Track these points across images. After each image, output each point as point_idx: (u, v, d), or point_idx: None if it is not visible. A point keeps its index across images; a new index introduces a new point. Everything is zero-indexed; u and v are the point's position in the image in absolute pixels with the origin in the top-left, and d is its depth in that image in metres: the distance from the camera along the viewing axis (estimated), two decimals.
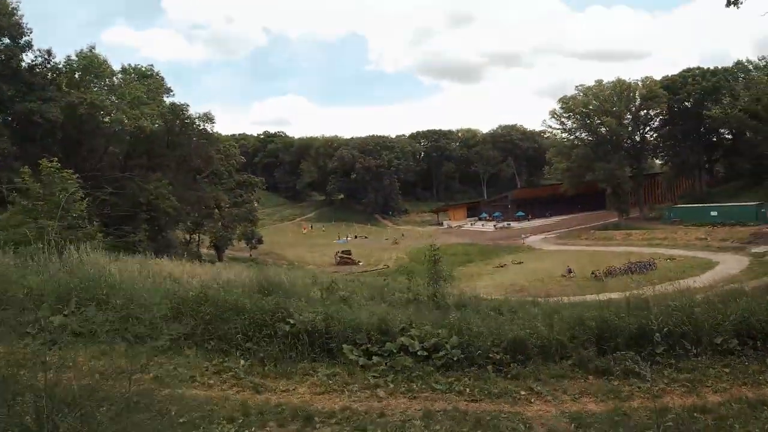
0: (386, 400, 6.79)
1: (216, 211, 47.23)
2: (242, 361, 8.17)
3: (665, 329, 7.34)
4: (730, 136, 73.80)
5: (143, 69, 45.16)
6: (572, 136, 67.59)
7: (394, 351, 7.86)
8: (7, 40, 38.05)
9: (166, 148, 44.13)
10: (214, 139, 47.58)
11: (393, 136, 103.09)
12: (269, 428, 6.01)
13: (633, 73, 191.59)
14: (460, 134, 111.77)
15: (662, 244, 55.19)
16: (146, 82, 41.81)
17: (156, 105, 40.64)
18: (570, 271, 42.78)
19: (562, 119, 66.76)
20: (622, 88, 63.64)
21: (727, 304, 8.16)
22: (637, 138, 68.19)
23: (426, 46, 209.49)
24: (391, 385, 7.12)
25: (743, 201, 61.96)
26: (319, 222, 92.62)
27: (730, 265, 40.59)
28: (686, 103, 67.14)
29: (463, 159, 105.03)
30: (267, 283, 10.42)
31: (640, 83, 64.35)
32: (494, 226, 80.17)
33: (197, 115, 44.78)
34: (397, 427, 5.89)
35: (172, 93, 44.79)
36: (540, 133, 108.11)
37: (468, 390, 6.86)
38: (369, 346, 8.11)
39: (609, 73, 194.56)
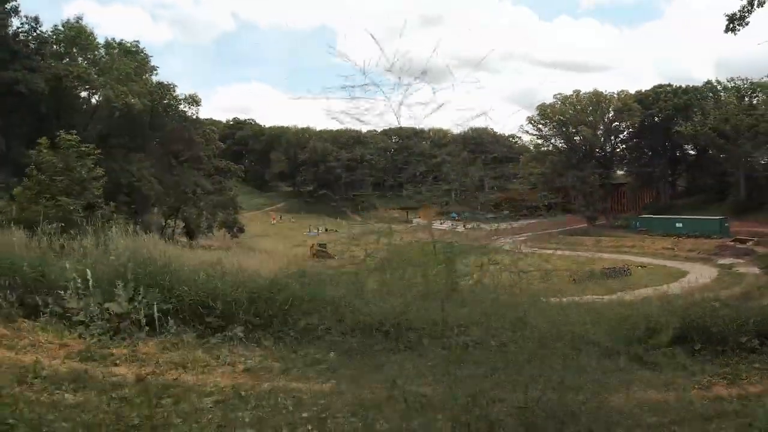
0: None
1: (194, 196, 45.82)
2: (332, 354, 8.06)
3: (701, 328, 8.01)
4: (693, 152, 76.97)
5: (128, 45, 43.66)
6: (548, 143, 69.11)
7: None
8: None
9: (149, 129, 42.75)
10: (198, 122, 46.37)
11: (364, 131, 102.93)
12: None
13: (597, 85, 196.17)
14: (431, 134, 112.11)
15: (631, 252, 57.08)
16: (133, 59, 40.29)
17: (144, 83, 39.21)
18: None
19: (539, 126, 68.10)
20: (598, 100, 65.31)
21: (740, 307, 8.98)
22: (608, 148, 69.98)
23: (394, 45, 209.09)
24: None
25: (706, 215, 64.59)
26: (288, 213, 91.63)
27: (700, 274, 42.26)
28: (656, 118, 69.29)
29: (432, 158, 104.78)
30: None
31: (615, 96, 66.20)
32: (464, 225, 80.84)
33: (182, 96, 43.50)
34: None
35: (156, 71, 43.34)
36: (509, 138, 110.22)
37: None
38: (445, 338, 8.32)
39: (573, 83, 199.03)
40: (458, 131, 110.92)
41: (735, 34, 31.13)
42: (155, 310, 8.47)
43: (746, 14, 30.01)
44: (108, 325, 8.71)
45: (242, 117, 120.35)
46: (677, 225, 62.94)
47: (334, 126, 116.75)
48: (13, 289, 9.04)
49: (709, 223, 60.99)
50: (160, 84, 41.73)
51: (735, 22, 30.94)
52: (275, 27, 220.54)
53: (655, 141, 70.69)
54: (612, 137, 69.60)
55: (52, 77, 34.88)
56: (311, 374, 7.50)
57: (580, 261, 50.14)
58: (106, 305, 9.01)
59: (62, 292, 9.00)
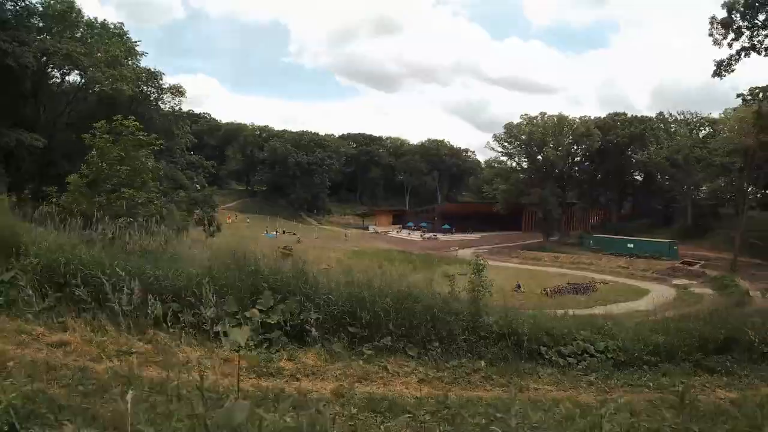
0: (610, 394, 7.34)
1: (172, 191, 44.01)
2: (482, 362, 8.36)
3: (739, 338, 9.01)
4: (639, 178, 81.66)
5: (112, 27, 41.80)
6: (512, 161, 71.50)
7: (578, 353, 8.63)
8: None
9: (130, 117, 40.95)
10: (180, 115, 44.80)
11: (322, 133, 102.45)
12: None
13: (541, 105, 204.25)
14: (388, 142, 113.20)
15: (589, 269, 59.57)
16: (119, 42, 38.57)
17: (132, 68, 37.61)
18: (519, 287, 45.07)
19: (505, 143, 70.16)
20: (561, 123, 68.08)
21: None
22: (565, 169, 72.89)
23: (347, 48, 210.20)
24: (610, 382, 7.86)
25: (652, 237, 68.49)
26: (242, 213, 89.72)
27: (660, 292, 44.76)
28: (611, 144, 72.84)
29: (389, 167, 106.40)
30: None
31: (578, 120, 69.28)
32: (421, 235, 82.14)
33: (167, 86, 41.96)
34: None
35: (140, 57, 41.32)
36: (464, 152, 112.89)
37: (652, 384, 7.72)
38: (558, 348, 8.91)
39: (518, 102, 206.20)
40: (416, 141, 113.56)
41: (721, 79, 33.50)
42: (309, 319, 8.42)
43: (733, 62, 32.47)
44: (260, 337, 8.56)
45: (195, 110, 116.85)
46: (629, 245, 66.14)
47: (291, 126, 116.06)
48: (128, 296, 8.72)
49: (659, 246, 64.49)
50: (148, 70, 40.03)
51: (722, 68, 33.36)
52: (226, 18, 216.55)
53: (608, 165, 74.19)
54: (570, 159, 72.49)
55: (39, 53, 32.90)
56: (478, 382, 7.76)
57: (542, 275, 51.92)
58: (245, 314, 8.81)
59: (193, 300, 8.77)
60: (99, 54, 35.81)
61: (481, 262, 14.03)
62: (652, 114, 78.01)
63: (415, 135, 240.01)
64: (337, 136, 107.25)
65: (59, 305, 8.68)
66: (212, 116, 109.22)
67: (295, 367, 7.39)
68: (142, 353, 7.78)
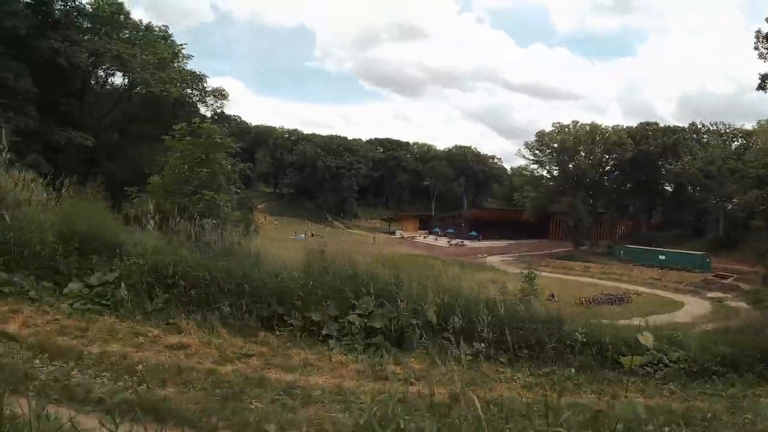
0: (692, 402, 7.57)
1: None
2: (572, 370, 8.61)
3: None
4: (669, 188, 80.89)
5: (157, 29, 42.61)
6: (543, 169, 71.39)
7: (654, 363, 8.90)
8: None
9: (173, 119, 41.76)
10: (223, 117, 45.51)
11: (349, 137, 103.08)
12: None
13: (564, 112, 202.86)
14: (415, 147, 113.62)
15: (621, 279, 59.02)
16: (169, 44, 39.34)
17: (178, 71, 38.33)
18: (552, 296, 44.94)
19: (536, 151, 70.06)
20: (595, 132, 67.75)
21: None
22: (595, 178, 72.49)
23: (371, 53, 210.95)
24: (687, 391, 8.09)
25: (682, 248, 67.75)
26: (270, 215, 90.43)
27: (695, 306, 44.35)
28: (644, 154, 72.26)
29: (415, 172, 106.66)
30: None
31: (610, 129, 68.92)
32: (448, 241, 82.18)
33: (210, 88, 42.69)
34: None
35: (186, 60, 42.03)
36: (490, 158, 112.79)
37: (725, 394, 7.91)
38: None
39: (540, 109, 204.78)
40: (443, 147, 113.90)
41: (765, 92, 33.43)
42: (412, 324, 8.75)
43: None
44: (365, 341, 8.89)
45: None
46: (660, 257, 65.52)
47: (314, 129, 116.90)
48: (239, 297, 9.06)
49: (691, 258, 63.78)
50: (192, 73, 40.82)
51: (767, 81, 33.23)
52: (253, 22, 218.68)
53: (639, 175, 73.64)
54: (601, 168, 72.10)
55: (89, 53, 33.68)
56: (573, 389, 8.03)
57: (575, 285, 51.63)
58: (348, 318, 9.11)
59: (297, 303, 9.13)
60: (146, 56, 36.49)
61: (533, 272, 14.38)
62: (679, 123, 77.67)
63: (436, 140, 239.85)
64: (364, 140, 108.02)
65: (168, 307, 9.06)
66: (242, 119, 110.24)
67: (404, 371, 7.68)
68: (259, 356, 8.14)
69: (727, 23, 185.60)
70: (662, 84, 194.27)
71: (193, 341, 8.23)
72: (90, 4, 36.36)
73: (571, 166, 67.84)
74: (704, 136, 74.71)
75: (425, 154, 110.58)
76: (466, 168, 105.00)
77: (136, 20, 41.12)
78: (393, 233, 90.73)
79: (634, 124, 76.46)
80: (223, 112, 45.00)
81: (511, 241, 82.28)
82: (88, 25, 36.57)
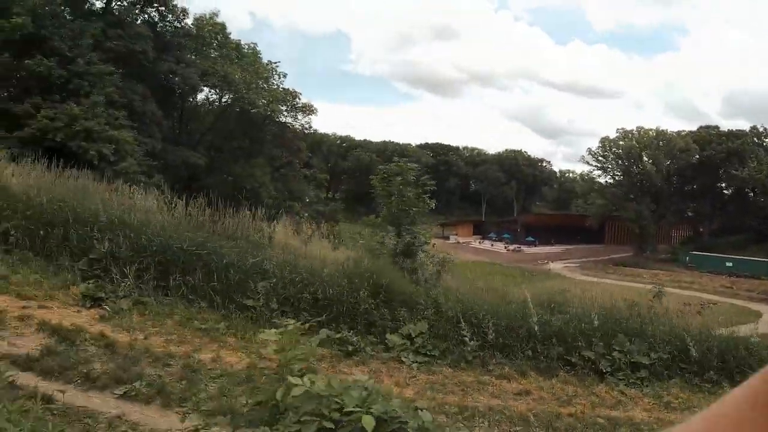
0: None
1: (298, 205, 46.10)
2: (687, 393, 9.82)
3: None
4: (729, 192, 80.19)
5: (246, 47, 44.03)
6: (606, 175, 71.61)
7: None
8: None
9: (265, 134, 43.28)
10: (310, 133, 46.87)
11: (399, 141, 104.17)
12: None
13: (605, 110, 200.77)
14: (465, 152, 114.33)
15: (691, 288, 58.73)
16: (265, 62, 40.77)
17: (276, 90, 39.78)
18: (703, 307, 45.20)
19: (599, 157, 70.32)
20: (660, 137, 67.78)
21: None
22: (660, 184, 72.33)
23: (406, 54, 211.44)
24: None
25: (747, 254, 67.08)
26: (326, 221, 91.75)
27: None
28: (711, 159, 71.91)
29: (465, 176, 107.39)
30: None
31: (675, 134, 68.84)
32: (505, 247, 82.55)
33: (299, 104, 44.04)
34: None
35: (282, 78, 43.02)
36: (540, 162, 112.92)
37: None
38: None
39: (577, 106, 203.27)
40: (494, 152, 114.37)
41: None
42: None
43: None
44: (634, 375, 10.08)
45: None
46: (727, 264, 64.99)
47: (355, 132, 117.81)
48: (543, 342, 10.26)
49: (759, 265, 63.14)
50: (286, 90, 42.14)
51: None
52: (289, 28, 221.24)
53: (703, 180, 73.28)
54: (666, 173, 71.97)
55: (202, 74, 35.24)
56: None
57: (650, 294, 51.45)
58: (615, 354, 10.31)
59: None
60: (245, 75, 37.89)
61: (661, 288, 15.30)
62: (723, 120, 76.89)
63: (474, 140, 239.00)
64: (415, 145, 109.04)
65: (481, 352, 10.19)
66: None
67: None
68: (582, 396, 9.29)
69: None
70: (706, 80, 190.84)
71: (532, 387, 9.36)
72: (193, 24, 38.07)
73: (636, 171, 67.92)
74: (766, 140, 73.89)
75: (475, 157, 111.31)
76: (517, 171, 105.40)
77: (234, 39, 42.51)
78: (447, 238, 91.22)
79: (688, 125, 76.67)
80: (310, 127, 46.43)
81: (568, 246, 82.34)
82: (193, 45, 38.18)
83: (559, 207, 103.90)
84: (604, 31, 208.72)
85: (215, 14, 39.23)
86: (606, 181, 72.28)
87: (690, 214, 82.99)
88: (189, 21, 38.29)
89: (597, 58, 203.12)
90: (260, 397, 4.64)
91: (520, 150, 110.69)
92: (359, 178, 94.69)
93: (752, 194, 73.44)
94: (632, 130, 69.29)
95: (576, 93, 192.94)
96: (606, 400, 9.18)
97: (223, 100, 40.96)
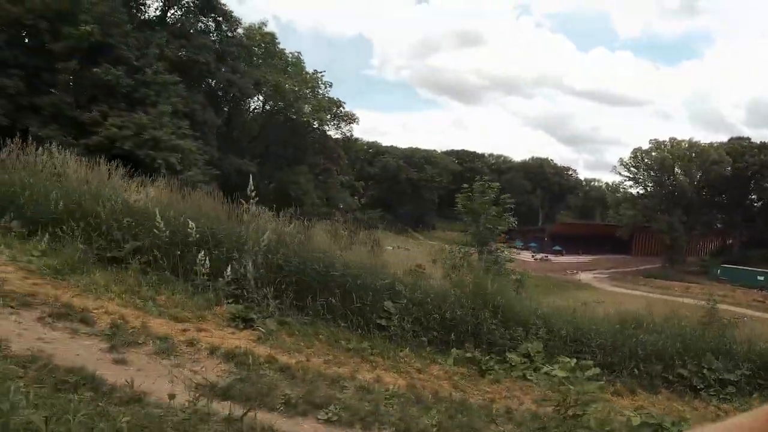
0: None
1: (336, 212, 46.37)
2: None
3: None
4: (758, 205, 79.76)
5: (290, 56, 44.48)
6: (638, 186, 71.58)
7: None
8: None
9: (307, 142, 43.83)
10: (350, 141, 47.37)
11: (425, 148, 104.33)
12: None
13: (626, 118, 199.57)
14: (491, 159, 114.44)
15: (725, 301, 58.09)
16: (310, 72, 41.30)
17: (324, 98, 40.33)
18: None
19: (631, 168, 70.30)
20: (692, 149, 67.62)
21: None
22: (692, 196, 72.08)
23: (428, 60, 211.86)
24: None
25: None
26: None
27: None
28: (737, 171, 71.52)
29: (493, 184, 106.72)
30: None
31: (707, 146, 68.68)
32: (532, 256, 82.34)
33: (342, 113, 44.53)
34: None
35: (328, 87, 43.30)
36: (566, 170, 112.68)
37: None
38: None
39: (601, 115, 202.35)
40: (519, 159, 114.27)
41: None
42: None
43: None
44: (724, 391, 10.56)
45: None
46: (759, 278, 64.47)
47: (379, 137, 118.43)
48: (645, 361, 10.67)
49: None
50: (331, 99, 42.70)
51: None
52: (313, 32, 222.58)
53: (735, 192, 72.93)
54: (698, 185, 71.78)
55: (255, 83, 35.86)
56: None
57: (685, 307, 51.14)
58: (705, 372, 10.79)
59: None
60: (294, 84, 38.48)
61: (714, 302, 15.65)
62: (749, 129, 76.34)
63: (496, 147, 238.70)
64: (440, 151, 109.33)
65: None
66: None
67: None
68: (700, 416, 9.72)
69: None
70: (731, 89, 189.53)
71: (645, 403, 9.83)
72: (244, 34, 38.65)
73: (668, 183, 67.82)
74: None
75: (500, 165, 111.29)
76: (543, 180, 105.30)
77: (282, 49, 42.95)
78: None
79: (713, 134, 76.31)
80: (352, 135, 46.94)
81: (596, 256, 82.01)
82: (244, 55, 38.77)
83: (583, 216, 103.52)
84: (628, 39, 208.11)
85: (264, 24, 39.97)
86: (638, 192, 72.11)
87: (719, 225, 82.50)
88: (240, 31, 38.91)
89: (621, 65, 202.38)
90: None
91: (547, 158, 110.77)
92: (385, 185, 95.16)
93: None
94: (665, 141, 69.30)
95: (601, 101, 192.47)
96: (707, 415, 9.61)
97: (267, 108, 41.56)
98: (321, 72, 42.93)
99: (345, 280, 10.05)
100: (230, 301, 9.62)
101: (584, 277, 68.20)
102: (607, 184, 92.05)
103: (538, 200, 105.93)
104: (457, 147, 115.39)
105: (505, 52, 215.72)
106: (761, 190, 71.98)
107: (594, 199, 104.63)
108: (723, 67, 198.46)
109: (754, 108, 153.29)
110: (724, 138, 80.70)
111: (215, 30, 35.84)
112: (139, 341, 7.02)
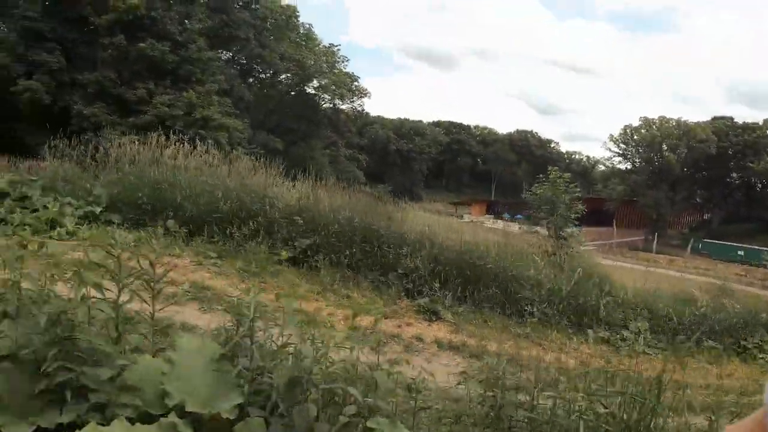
0: None
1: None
2: None
3: None
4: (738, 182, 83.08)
5: (302, 28, 44.25)
6: (627, 162, 73.89)
7: None
8: None
9: (321, 117, 44.24)
10: (361, 114, 47.81)
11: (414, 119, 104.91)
12: None
13: (602, 90, 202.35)
14: (476, 131, 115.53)
15: (707, 274, 61.02)
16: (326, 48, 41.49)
17: (340, 74, 40.67)
18: None
19: (621, 145, 72.50)
20: (680, 127, 69.98)
21: None
22: (678, 173, 74.69)
23: (405, 26, 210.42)
24: None
25: (757, 243, 69.86)
26: None
27: None
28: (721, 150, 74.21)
29: (476, 156, 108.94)
30: None
31: (694, 125, 71.13)
32: (519, 227, 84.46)
33: (355, 88, 44.88)
34: None
35: (345, 63, 43.40)
36: (548, 143, 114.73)
37: None
38: None
39: (576, 85, 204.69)
40: (504, 132, 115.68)
41: None
42: None
43: None
44: None
45: None
46: (739, 252, 67.71)
47: (387, 113, 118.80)
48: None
49: None
50: (346, 74, 42.93)
51: None
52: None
53: (718, 171, 75.86)
54: (684, 162, 74.37)
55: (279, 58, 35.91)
56: None
57: (671, 280, 53.90)
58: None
59: None
60: (316, 59, 38.65)
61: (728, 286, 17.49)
62: (725, 107, 79.19)
63: (471, 116, 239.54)
64: (427, 122, 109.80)
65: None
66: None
67: None
68: None
69: None
70: (707, 67, 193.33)
71: (731, 370, 11.33)
72: (266, 7, 38.29)
73: (655, 160, 70.28)
74: None
75: (486, 137, 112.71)
76: (528, 153, 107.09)
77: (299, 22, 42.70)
78: (461, 217, 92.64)
79: (689, 109, 78.52)
80: (363, 110, 47.37)
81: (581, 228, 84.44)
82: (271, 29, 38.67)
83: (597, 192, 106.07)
84: (607, 10, 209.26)
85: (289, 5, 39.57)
86: (626, 167, 74.51)
87: (698, 200, 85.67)
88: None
89: (599, 37, 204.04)
90: None
91: (531, 131, 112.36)
92: (375, 156, 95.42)
93: (760, 185, 76.27)
94: (654, 119, 71.40)
95: (574, 71, 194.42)
96: None
97: (285, 81, 41.67)
98: (337, 45, 43.38)
99: (497, 271, 11.20)
100: (403, 293, 10.67)
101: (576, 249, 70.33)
102: (587, 157, 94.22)
103: (523, 173, 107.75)
104: (445, 118, 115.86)
105: (483, 19, 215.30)
106: (741, 168, 74.73)
107: (575, 172, 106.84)
108: (698, 42, 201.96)
109: (728, 86, 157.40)
110: (702, 115, 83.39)
111: (239, 3, 35.58)
112: (383, 341, 8.04)
